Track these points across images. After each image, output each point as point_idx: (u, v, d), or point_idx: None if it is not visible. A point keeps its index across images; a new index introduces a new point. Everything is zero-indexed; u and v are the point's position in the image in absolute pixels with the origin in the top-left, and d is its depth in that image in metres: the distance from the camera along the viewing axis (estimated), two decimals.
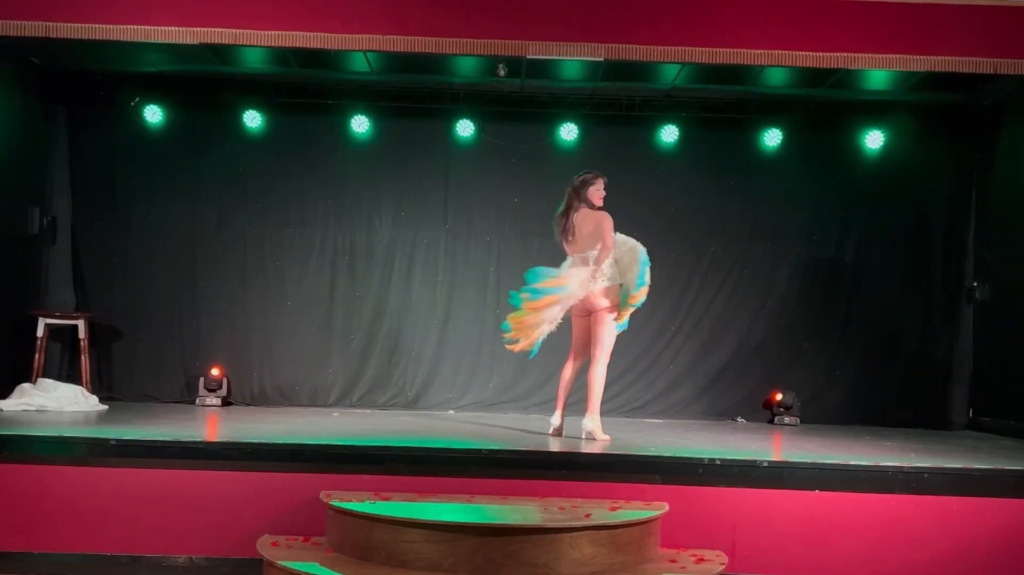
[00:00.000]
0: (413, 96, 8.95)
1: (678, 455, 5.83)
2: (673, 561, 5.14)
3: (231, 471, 5.57)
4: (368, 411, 8.64)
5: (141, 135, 8.91)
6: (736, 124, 9.01)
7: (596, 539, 4.85)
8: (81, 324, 8.31)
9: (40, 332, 8.12)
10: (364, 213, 9.04)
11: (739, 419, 8.81)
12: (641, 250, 6.54)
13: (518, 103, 8.99)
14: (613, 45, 7.08)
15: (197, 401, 8.55)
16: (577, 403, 8.72)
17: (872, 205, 9.04)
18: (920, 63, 7.10)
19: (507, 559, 4.71)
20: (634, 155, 9.08)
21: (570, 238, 6.59)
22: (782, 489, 5.55)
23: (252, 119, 8.88)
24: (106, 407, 7.86)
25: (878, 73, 7.73)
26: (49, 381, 7.82)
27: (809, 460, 5.76)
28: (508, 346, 6.51)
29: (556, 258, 7.32)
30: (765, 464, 5.65)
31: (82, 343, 8.32)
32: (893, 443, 7.09)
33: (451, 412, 8.60)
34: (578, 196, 6.58)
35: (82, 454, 5.62)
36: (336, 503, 5.12)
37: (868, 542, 5.50)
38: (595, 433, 6.51)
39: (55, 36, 6.94)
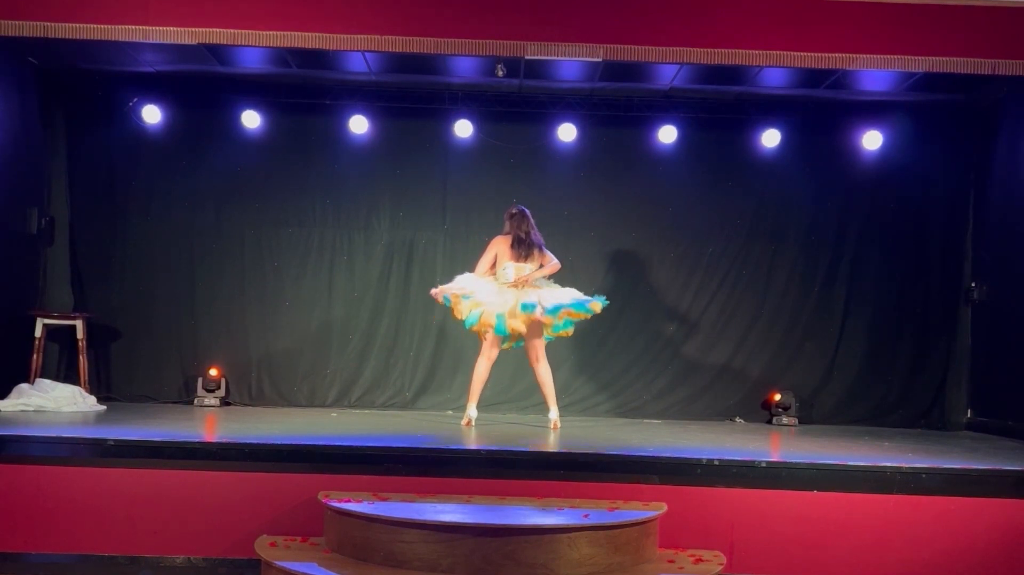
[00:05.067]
0: (411, 96, 8.95)
1: (676, 455, 5.84)
2: (671, 561, 5.14)
3: (229, 471, 5.57)
4: (366, 411, 8.64)
5: (139, 135, 8.90)
6: (734, 124, 9.01)
7: (594, 539, 4.85)
8: (79, 324, 8.30)
9: (38, 332, 8.11)
10: (362, 213, 9.04)
11: (737, 419, 8.81)
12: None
13: (516, 103, 8.98)
14: (611, 45, 7.08)
15: (195, 401, 8.55)
16: (577, 403, 8.83)
17: (870, 205, 9.03)
18: (918, 63, 7.10)
19: (505, 559, 4.71)
20: (632, 155, 9.09)
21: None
22: (780, 489, 5.55)
23: (250, 119, 8.87)
24: (104, 407, 7.85)
25: (876, 73, 7.72)
26: (47, 381, 7.80)
27: (807, 460, 5.77)
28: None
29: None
30: (763, 464, 5.65)
31: (80, 343, 8.30)
32: (891, 443, 7.09)
33: (449, 412, 8.59)
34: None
35: (80, 454, 5.63)
36: (334, 503, 5.12)
37: (866, 542, 5.50)
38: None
39: (53, 36, 6.93)
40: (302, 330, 8.95)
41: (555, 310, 7.26)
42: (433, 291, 7.56)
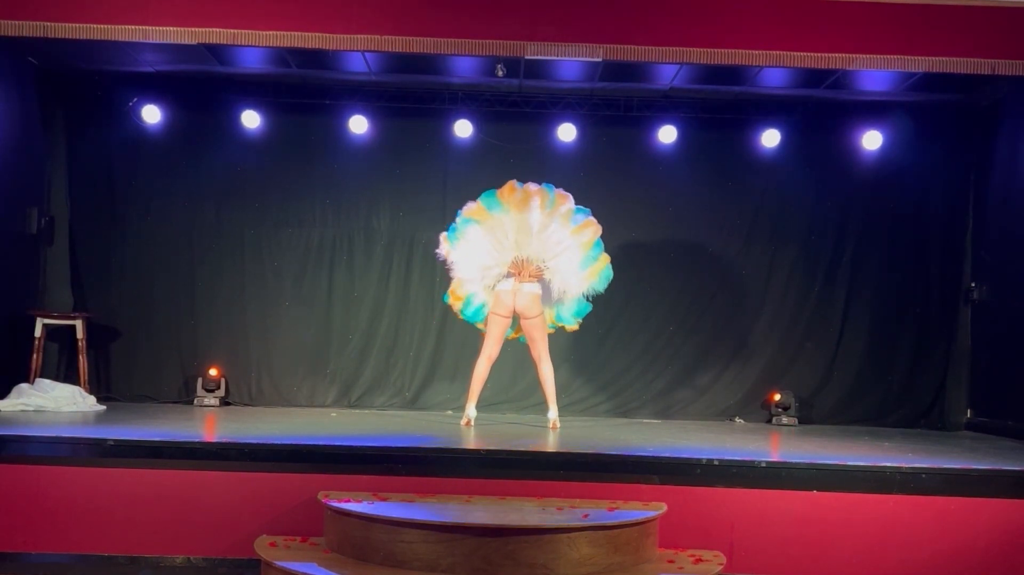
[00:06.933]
0: (411, 96, 8.95)
1: (676, 455, 5.83)
2: (671, 561, 5.14)
3: (229, 471, 5.57)
4: (366, 411, 8.64)
5: (139, 135, 8.90)
6: (734, 124, 9.01)
7: (594, 539, 4.85)
8: (79, 324, 8.29)
9: (38, 332, 8.10)
10: (362, 213, 9.04)
11: (737, 419, 8.81)
12: None
13: (516, 103, 8.98)
14: (611, 45, 7.08)
15: (195, 401, 8.55)
16: (577, 403, 8.83)
17: (870, 205, 9.03)
18: (918, 63, 7.10)
19: (505, 559, 4.71)
20: (632, 155, 9.09)
21: None
22: (780, 489, 5.55)
23: (250, 119, 8.87)
24: (104, 407, 7.85)
25: (876, 73, 7.73)
26: (47, 381, 7.80)
27: (807, 460, 5.77)
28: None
29: None
30: (763, 464, 5.65)
31: (80, 343, 8.30)
32: (891, 443, 7.10)
33: (449, 412, 8.59)
34: None
35: (80, 454, 5.63)
36: (334, 503, 5.12)
37: (866, 542, 5.50)
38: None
39: (53, 36, 6.93)
40: (302, 330, 8.95)
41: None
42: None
